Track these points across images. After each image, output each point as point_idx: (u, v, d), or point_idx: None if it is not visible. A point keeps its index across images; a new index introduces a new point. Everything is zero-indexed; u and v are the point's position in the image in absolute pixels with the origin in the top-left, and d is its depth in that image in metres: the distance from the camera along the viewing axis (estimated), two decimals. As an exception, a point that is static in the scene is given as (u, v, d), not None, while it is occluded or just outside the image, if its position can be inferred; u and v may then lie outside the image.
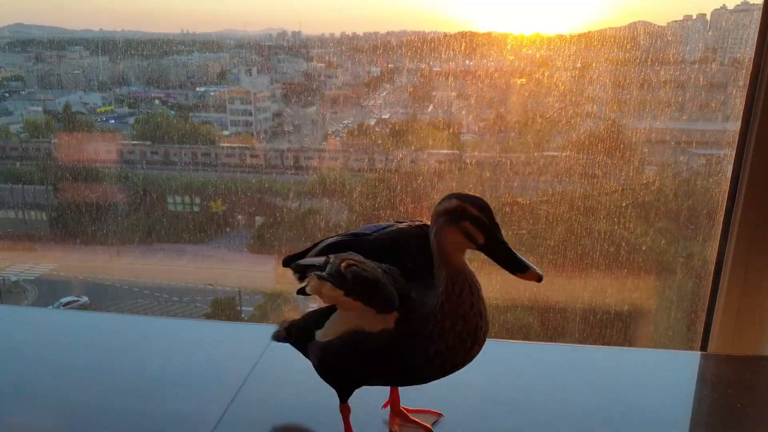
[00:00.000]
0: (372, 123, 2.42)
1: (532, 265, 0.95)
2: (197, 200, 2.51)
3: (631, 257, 2.28)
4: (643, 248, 2.29)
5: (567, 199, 2.26)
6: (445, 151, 2.39)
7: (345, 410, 1.15)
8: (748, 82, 1.63)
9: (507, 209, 2.29)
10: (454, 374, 1.04)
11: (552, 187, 2.29)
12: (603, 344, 2.33)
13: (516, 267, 0.95)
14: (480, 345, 1.02)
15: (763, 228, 1.66)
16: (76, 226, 2.51)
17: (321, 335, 1.10)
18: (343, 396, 1.13)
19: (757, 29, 1.61)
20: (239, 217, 2.56)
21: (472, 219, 0.96)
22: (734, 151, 1.66)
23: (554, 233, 2.29)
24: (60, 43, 2.40)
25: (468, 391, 1.33)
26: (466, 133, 2.45)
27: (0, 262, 2.79)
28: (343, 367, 1.08)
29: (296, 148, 2.47)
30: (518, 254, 0.95)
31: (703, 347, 1.83)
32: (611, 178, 2.24)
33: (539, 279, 0.94)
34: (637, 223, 2.29)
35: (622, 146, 2.24)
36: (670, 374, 1.50)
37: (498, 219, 0.97)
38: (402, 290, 1.00)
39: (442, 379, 1.04)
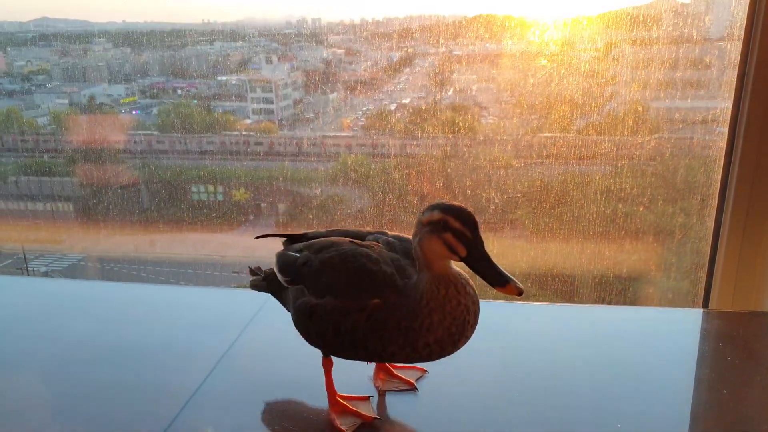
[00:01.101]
0: (392, 108, 2.42)
1: (513, 278, 0.96)
2: (220, 189, 2.54)
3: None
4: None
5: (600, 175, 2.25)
6: (462, 136, 2.38)
7: (327, 363, 1.17)
8: (739, 60, 1.71)
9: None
10: None
11: (580, 169, 2.28)
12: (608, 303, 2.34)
13: (496, 281, 0.96)
14: (467, 338, 1.05)
15: (760, 187, 1.70)
16: (102, 216, 2.56)
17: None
18: (325, 350, 1.15)
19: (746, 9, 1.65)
20: (263, 205, 2.59)
21: (454, 232, 0.98)
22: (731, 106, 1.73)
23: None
24: (84, 36, 2.43)
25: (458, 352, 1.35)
26: (488, 116, 2.45)
27: (28, 254, 2.84)
28: (319, 333, 1.09)
29: (317, 136, 2.48)
30: (500, 267, 0.97)
31: (705, 305, 1.86)
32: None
33: (520, 293, 0.95)
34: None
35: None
36: (673, 331, 1.51)
37: (481, 231, 0.98)
38: (399, 279, 1.03)
39: None
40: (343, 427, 1.12)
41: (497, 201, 2.35)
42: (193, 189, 2.52)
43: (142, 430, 1.13)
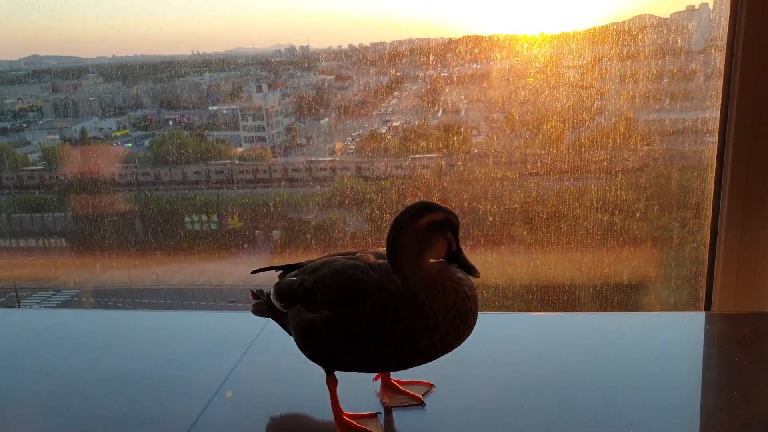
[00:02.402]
0: (383, 131, 2.44)
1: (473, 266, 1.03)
2: (215, 217, 2.54)
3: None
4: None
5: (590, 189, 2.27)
6: (455, 154, 2.40)
7: (331, 382, 1.15)
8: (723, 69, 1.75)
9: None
10: None
11: (570, 184, 2.30)
12: (609, 310, 2.33)
13: (470, 268, 1.02)
14: (471, 327, 1.05)
15: (753, 188, 1.72)
16: (96, 250, 2.54)
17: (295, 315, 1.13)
18: (328, 369, 1.14)
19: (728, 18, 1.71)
20: (257, 232, 2.58)
21: (453, 229, 1.01)
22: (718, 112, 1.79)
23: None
24: (75, 71, 2.45)
25: (462, 362, 1.32)
26: (478, 135, 2.47)
27: (21, 291, 2.81)
28: (319, 347, 1.09)
29: (310, 161, 2.49)
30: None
31: (707, 307, 1.86)
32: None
33: (479, 276, 1.02)
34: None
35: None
36: (677, 335, 1.50)
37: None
38: (392, 285, 1.03)
39: None
40: None
41: (493, 213, 2.36)
42: (187, 219, 2.52)
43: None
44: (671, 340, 1.47)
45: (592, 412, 1.18)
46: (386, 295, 1.02)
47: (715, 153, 1.83)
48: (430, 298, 1.00)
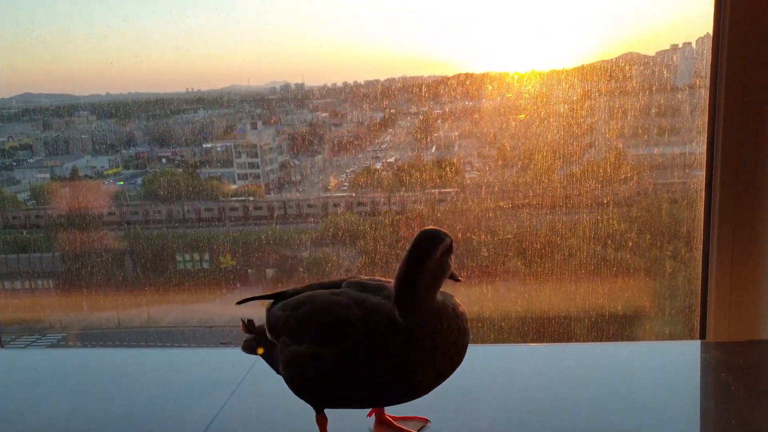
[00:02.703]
0: (378, 167, 2.45)
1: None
2: (207, 256, 2.50)
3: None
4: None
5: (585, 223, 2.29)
6: (449, 190, 2.41)
7: (321, 421, 1.13)
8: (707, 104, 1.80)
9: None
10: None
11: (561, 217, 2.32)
12: (604, 340, 2.32)
13: (455, 276, 1.04)
14: (462, 359, 1.04)
15: (743, 218, 1.75)
16: (84, 291, 2.48)
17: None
18: (317, 406, 1.12)
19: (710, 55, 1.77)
20: (250, 270, 2.54)
21: (452, 251, 1.02)
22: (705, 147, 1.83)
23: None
24: (67, 109, 2.44)
25: (457, 395, 1.30)
26: (471, 171, 2.49)
27: (5, 336, 2.72)
28: (307, 381, 1.07)
29: (305, 197, 2.48)
30: None
31: (702, 336, 1.86)
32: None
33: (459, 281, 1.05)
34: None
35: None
36: (674, 363, 1.50)
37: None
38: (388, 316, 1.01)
39: None
40: None
41: (486, 244, 2.36)
42: (179, 257, 2.47)
43: None
44: (667, 368, 1.47)
45: None
46: (373, 331, 0.99)
47: (704, 183, 1.87)
48: (432, 332, 0.98)
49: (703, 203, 1.87)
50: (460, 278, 1.04)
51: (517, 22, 2.29)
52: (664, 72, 2.35)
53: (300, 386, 1.09)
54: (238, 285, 2.58)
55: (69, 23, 2.27)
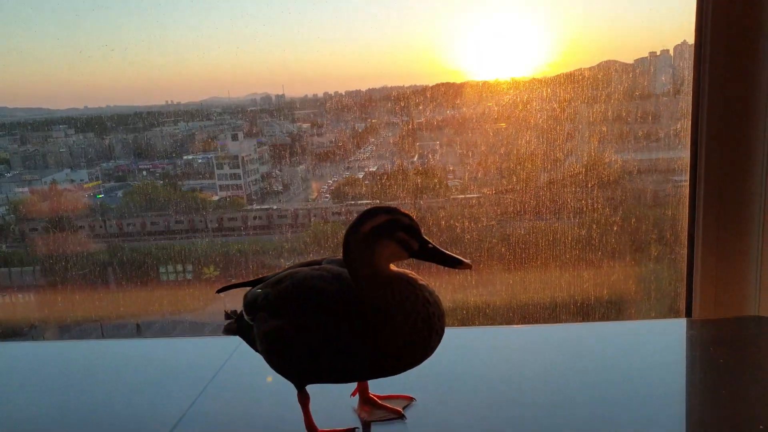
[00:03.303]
0: (360, 176, 2.45)
1: (461, 257, 1.00)
2: (189, 267, 2.49)
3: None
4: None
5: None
6: (436, 199, 2.42)
7: (303, 398, 1.13)
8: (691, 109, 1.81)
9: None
10: (432, 361, 1.04)
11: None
12: (592, 320, 2.32)
13: (454, 263, 1.00)
14: (438, 332, 1.03)
15: (728, 195, 1.77)
16: (66, 306, 2.46)
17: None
18: (298, 382, 1.12)
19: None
20: (233, 281, 2.54)
21: (405, 228, 1.00)
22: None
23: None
24: (45, 123, 2.41)
25: (443, 375, 1.30)
26: (453, 179, 2.50)
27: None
28: (285, 354, 1.07)
29: (286, 207, 2.48)
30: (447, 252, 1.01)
31: (688, 314, 1.87)
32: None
33: (470, 267, 1.00)
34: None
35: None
36: (662, 341, 1.51)
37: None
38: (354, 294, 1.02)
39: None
40: None
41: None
42: (162, 269, 2.46)
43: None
44: (654, 346, 1.47)
45: (577, 421, 1.15)
46: (347, 304, 1.01)
47: (688, 163, 1.88)
48: (386, 304, 0.99)
49: (688, 181, 1.87)
50: (459, 263, 1.00)
51: (496, 31, 2.30)
52: (642, 79, 2.37)
53: (279, 360, 1.09)
54: (222, 295, 2.58)
55: (45, 36, 2.25)
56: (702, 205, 1.80)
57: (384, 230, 1.00)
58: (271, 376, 1.14)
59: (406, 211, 1.02)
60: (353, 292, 1.02)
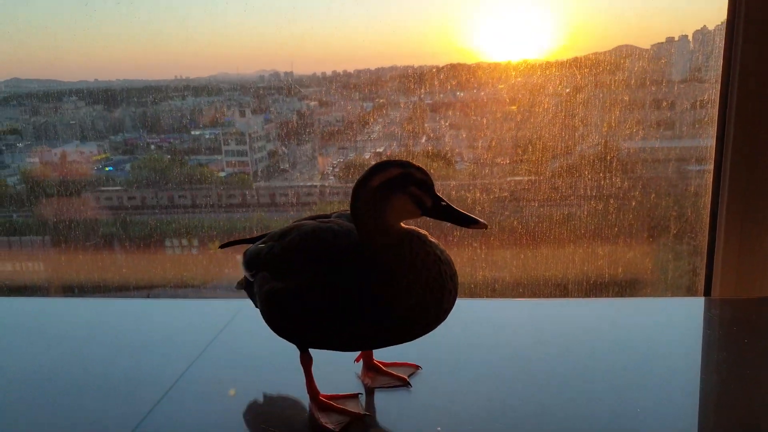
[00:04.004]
0: (367, 157, 2.44)
1: (476, 217, 0.95)
2: (195, 242, 2.50)
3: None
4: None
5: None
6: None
7: (305, 360, 1.09)
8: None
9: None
10: (441, 330, 1.00)
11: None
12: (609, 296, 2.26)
13: (469, 221, 0.94)
14: (450, 291, 0.97)
15: (756, 174, 1.71)
16: (74, 276, 2.49)
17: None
18: (300, 344, 1.08)
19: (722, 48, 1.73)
20: (238, 257, 2.55)
21: (418, 183, 0.94)
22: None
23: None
24: (56, 94, 2.43)
25: (452, 345, 1.27)
26: (461, 162, 2.47)
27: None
28: (287, 318, 1.03)
29: (293, 185, 2.48)
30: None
31: (707, 293, 1.82)
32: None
33: (486, 227, 0.94)
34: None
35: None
36: (676, 319, 1.47)
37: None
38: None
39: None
40: (329, 425, 1.03)
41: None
42: (167, 243, 2.48)
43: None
44: (670, 323, 1.43)
45: (590, 394, 1.12)
46: (357, 262, 0.96)
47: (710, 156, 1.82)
48: (395, 261, 0.94)
49: (713, 159, 1.81)
50: (475, 223, 0.94)
51: (509, 12, 2.25)
52: (659, 65, 2.31)
53: (279, 323, 1.04)
54: (226, 271, 2.60)
55: (58, 8, 2.26)
56: (727, 186, 1.74)
57: (396, 184, 0.94)
58: (234, 389, 1.13)
59: (420, 165, 0.96)
60: (362, 248, 0.97)
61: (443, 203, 0.95)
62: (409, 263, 0.95)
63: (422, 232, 0.99)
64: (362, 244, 0.97)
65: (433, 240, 0.99)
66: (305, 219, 1.12)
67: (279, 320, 1.04)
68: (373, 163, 0.98)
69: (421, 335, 1.00)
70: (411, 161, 0.96)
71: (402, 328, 0.97)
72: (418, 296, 0.94)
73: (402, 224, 0.99)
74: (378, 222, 0.95)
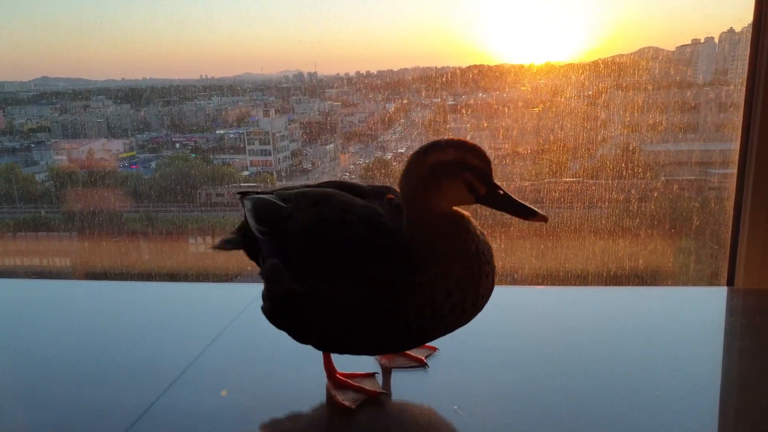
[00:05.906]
0: (389, 157, 2.45)
1: (536, 208, 0.87)
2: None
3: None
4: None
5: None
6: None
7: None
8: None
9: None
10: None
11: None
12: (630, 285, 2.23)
13: (527, 212, 0.87)
14: (489, 279, 0.91)
15: None
16: (100, 272, 2.53)
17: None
18: (322, 348, 1.04)
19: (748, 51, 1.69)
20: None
21: (473, 169, 0.87)
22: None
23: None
24: (84, 93, 2.47)
25: (470, 329, 1.19)
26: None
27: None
28: (308, 324, 0.95)
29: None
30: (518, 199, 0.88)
31: (730, 283, 1.80)
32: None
33: (546, 220, 0.87)
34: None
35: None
36: (699, 308, 1.45)
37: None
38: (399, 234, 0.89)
39: None
40: (345, 402, 1.01)
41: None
42: (191, 240, 2.52)
43: (117, 414, 1.05)
44: (694, 312, 1.41)
45: (610, 382, 1.10)
46: (400, 256, 0.88)
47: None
48: (435, 254, 0.87)
49: (738, 150, 1.78)
50: (533, 215, 0.87)
51: (533, 13, 2.25)
52: (684, 67, 2.30)
53: (299, 332, 0.98)
54: (248, 268, 2.62)
55: (85, 10, 2.29)
56: (752, 179, 1.71)
57: (450, 168, 0.86)
58: (226, 390, 1.10)
59: (481, 150, 0.88)
60: (409, 239, 0.89)
61: (500, 192, 0.88)
62: (450, 247, 0.89)
63: (466, 215, 0.93)
64: (409, 228, 0.90)
65: (474, 225, 0.93)
66: (336, 186, 1.03)
67: (298, 328, 0.98)
68: (412, 151, 0.90)
69: (458, 325, 0.96)
70: (469, 141, 0.88)
71: (437, 318, 0.91)
72: (457, 279, 0.89)
73: (452, 209, 0.92)
74: (425, 204, 0.89)
